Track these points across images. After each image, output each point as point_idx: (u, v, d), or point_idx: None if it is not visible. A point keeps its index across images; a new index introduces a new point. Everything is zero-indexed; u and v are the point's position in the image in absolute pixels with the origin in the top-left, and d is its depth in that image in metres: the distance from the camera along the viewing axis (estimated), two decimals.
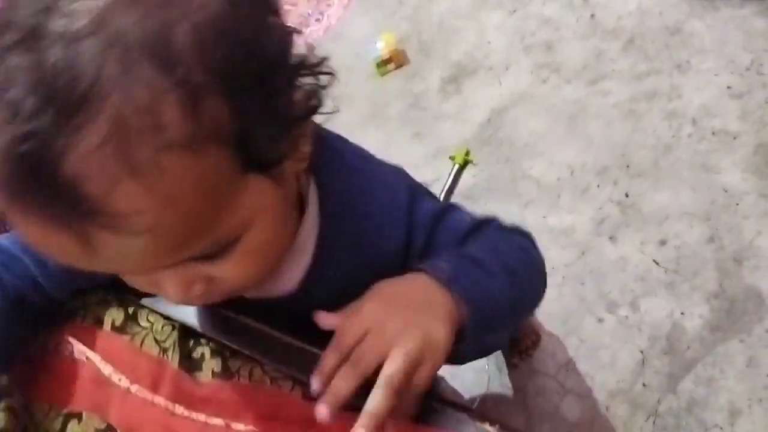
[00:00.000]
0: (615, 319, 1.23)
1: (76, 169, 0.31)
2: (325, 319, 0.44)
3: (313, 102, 0.41)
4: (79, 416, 0.52)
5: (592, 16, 1.65)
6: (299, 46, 0.40)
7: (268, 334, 0.51)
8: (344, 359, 0.39)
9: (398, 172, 0.55)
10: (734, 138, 1.35)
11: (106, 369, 0.53)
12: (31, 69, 0.30)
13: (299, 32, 0.40)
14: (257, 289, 0.48)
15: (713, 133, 1.38)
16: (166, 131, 0.31)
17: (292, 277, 0.50)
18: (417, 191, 0.53)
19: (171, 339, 0.53)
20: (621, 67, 1.53)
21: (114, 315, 0.55)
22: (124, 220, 0.32)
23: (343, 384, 0.39)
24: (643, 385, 1.16)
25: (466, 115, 1.61)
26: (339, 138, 0.53)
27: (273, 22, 0.38)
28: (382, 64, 1.71)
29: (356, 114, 1.66)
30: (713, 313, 1.20)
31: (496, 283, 0.44)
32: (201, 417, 0.50)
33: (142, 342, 0.53)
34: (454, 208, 0.54)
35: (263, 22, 0.37)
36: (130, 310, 0.55)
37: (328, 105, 0.42)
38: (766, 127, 1.35)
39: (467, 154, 1.55)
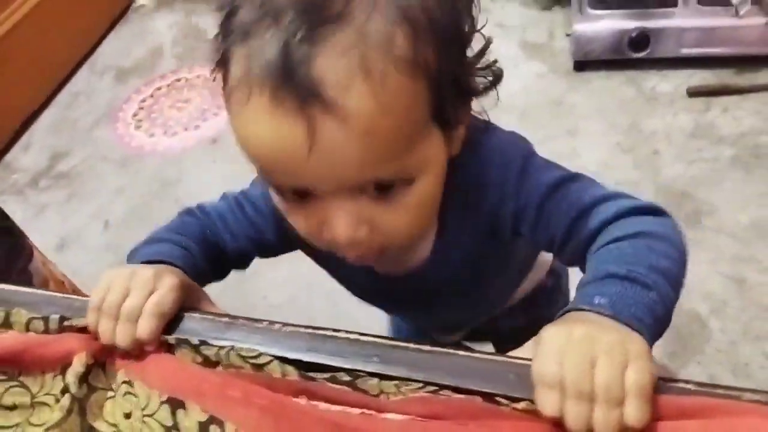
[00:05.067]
0: None
1: (321, 69, 0.38)
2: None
3: (482, 89, 0.50)
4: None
5: None
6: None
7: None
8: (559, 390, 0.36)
9: (513, 144, 0.55)
10: (636, 184, 1.48)
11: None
12: None
13: (490, 40, 0.50)
14: (394, 262, 0.55)
15: (617, 183, 1.49)
16: (395, 50, 0.40)
17: (421, 251, 0.55)
18: (531, 163, 0.53)
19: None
20: (522, 134, 1.64)
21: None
22: (349, 115, 0.38)
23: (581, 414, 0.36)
24: None
25: None
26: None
27: (473, 25, 0.49)
28: None
29: None
30: (665, 342, 1.23)
31: (655, 295, 0.43)
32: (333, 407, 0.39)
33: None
34: (572, 180, 0.53)
35: (470, 20, 0.47)
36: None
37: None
38: (659, 172, 1.50)
39: None
